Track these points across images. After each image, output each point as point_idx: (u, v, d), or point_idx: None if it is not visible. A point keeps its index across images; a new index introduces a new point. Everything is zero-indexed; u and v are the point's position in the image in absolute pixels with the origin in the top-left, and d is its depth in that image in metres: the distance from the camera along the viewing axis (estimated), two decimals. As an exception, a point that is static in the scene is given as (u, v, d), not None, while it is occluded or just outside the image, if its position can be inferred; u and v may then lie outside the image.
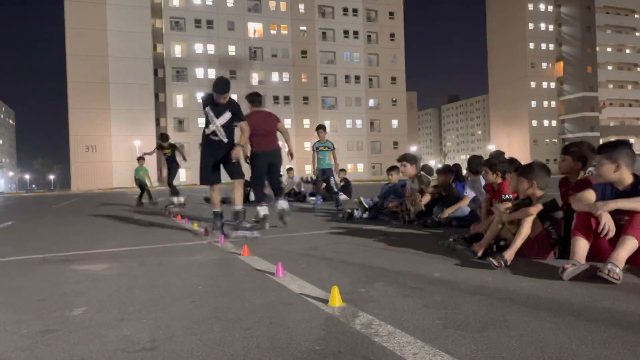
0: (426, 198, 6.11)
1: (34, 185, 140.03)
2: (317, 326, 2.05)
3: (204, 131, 5.31)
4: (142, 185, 13.34)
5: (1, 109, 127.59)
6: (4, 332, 2.14)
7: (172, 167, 10.93)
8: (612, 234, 2.81)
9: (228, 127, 5.20)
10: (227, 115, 5.15)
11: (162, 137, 10.97)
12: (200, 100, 5.50)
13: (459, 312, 2.18)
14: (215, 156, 5.22)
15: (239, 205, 5.30)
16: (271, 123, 6.29)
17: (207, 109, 5.15)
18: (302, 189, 13.84)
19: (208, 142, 5.24)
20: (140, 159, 13.42)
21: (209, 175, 5.26)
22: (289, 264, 3.42)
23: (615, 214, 2.86)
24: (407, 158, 6.62)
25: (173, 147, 10.84)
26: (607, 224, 2.80)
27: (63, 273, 3.50)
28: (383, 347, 1.77)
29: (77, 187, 53.21)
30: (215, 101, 5.11)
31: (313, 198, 11.21)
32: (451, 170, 6.33)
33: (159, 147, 10.85)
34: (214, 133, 5.18)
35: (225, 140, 5.19)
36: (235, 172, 5.25)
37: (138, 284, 3.04)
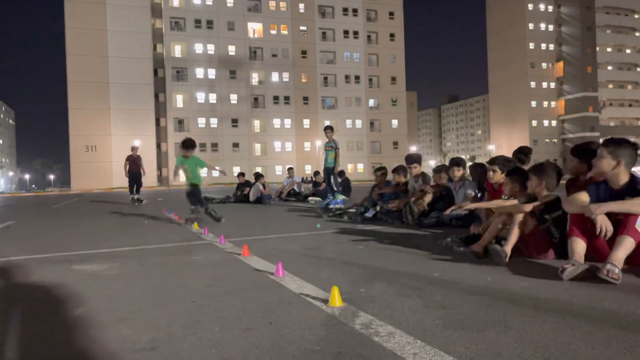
0: (428, 197, 6.13)
1: (33, 185, 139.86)
2: (317, 326, 2.05)
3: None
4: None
5: (1, 109, 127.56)
6: (3, 332, 2.14)
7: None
8: (610, 234, 2.80)
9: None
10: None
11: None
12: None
13: (459, 312, 2.19)
14: None
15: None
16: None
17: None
18: (302, 189, 13.85)
19: None
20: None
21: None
22: (289, 264, 3.42)
23: (610, 213, 2.85)
24: (414, 159, 6.82)
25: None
26: (604, 226, 2.79)
27: (63, 273, 3.50)
28: (383, 347, 1.77)
29: (77, 187, 53.16)
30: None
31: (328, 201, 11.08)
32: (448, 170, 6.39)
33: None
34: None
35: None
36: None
37: (138, 284, 3.04)
